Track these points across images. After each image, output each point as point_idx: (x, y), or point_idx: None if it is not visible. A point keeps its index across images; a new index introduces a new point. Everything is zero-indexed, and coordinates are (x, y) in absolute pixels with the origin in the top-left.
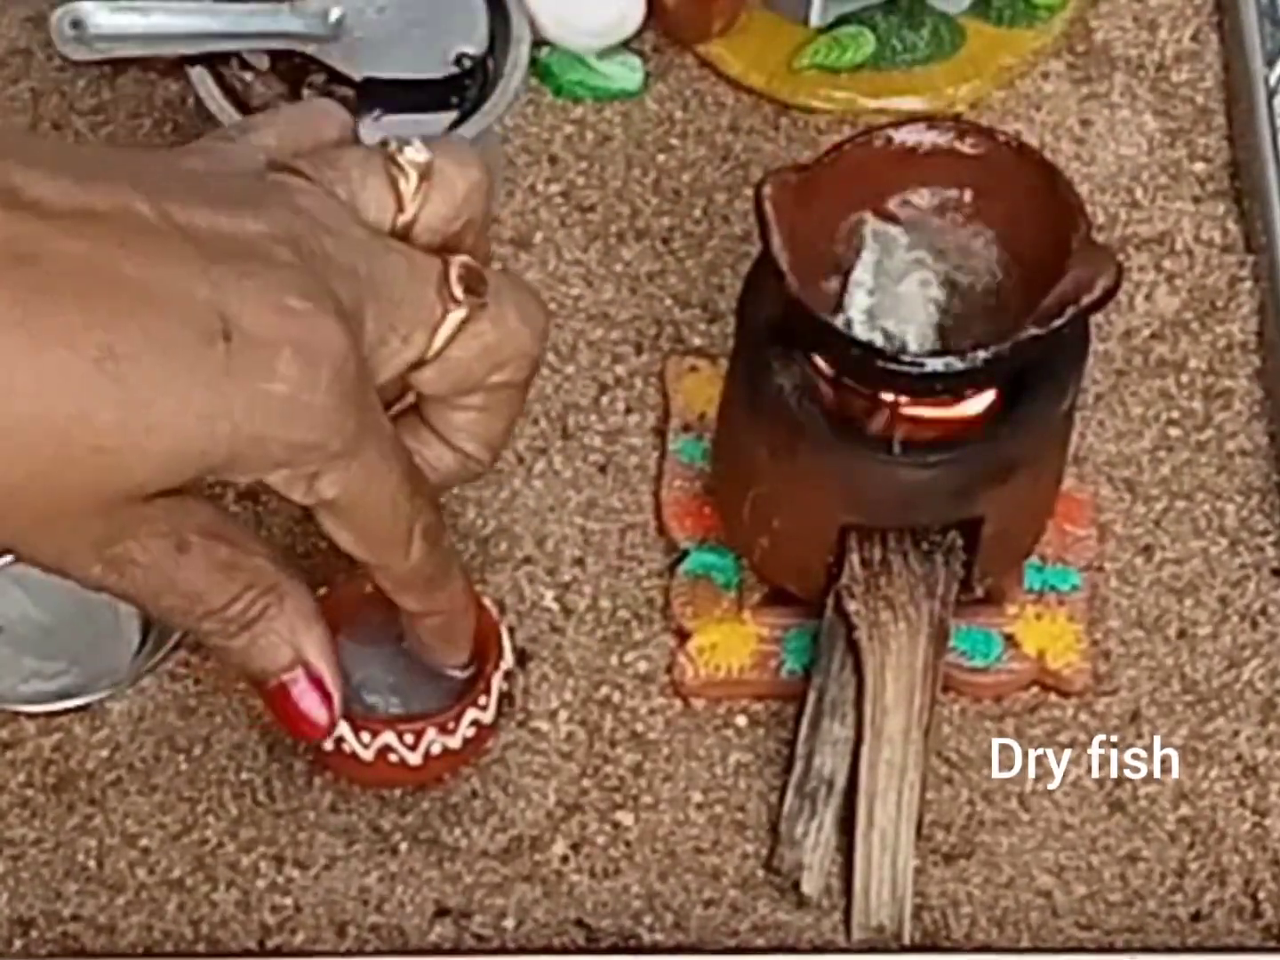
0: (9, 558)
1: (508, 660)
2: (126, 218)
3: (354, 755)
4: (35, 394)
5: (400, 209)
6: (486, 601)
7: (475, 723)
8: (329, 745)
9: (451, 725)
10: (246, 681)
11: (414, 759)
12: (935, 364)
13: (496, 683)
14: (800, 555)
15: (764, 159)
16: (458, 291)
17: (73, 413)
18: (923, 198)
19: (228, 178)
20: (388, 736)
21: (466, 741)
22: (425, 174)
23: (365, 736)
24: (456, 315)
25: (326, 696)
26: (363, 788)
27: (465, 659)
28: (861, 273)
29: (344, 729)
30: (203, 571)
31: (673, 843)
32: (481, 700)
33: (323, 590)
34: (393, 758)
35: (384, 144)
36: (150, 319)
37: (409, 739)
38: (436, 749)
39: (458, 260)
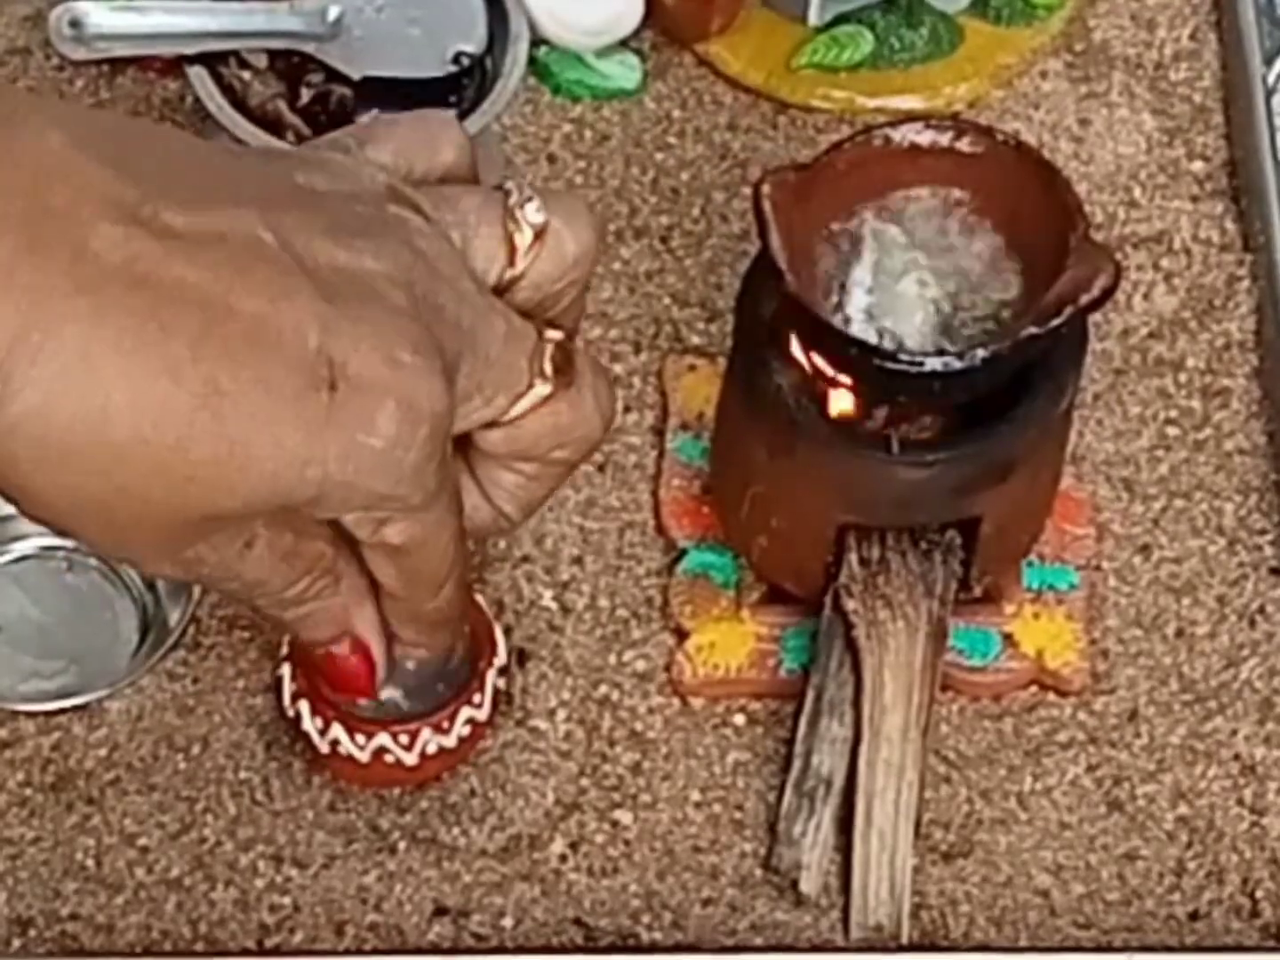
0: (8, 555)
1: (501, 657)
2: (248, 245)
3: (350, 757)
4: (135, 424)
5: (511, 264)
6: (480, 600)
7: (470, 721)
8: (325, 748)
9: (446, 724)
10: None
11: (410, 759)
12: (934, 363)
13: (491, 680)
14: (799, 554)
15: (762, 158)
16: (548, 368)
17: (170, 444)
18: (921, 197)
19: (349, 202)
20: (383, 738)
21: (462, 740)
22: (540, 233)
23: (360, 738)
24: (541, 390)
25: (371, 663)
26: (361, 788)
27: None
28: (860, 272)
29: (339, 731)
30: (267, 563)
31: (671, 842)
32: (476, 698)
33: None
34: (389, 758)
35: (503, 190)
36: (258, 359)
37: (404, 739)
38: (432, 748)
39: (555, 337)
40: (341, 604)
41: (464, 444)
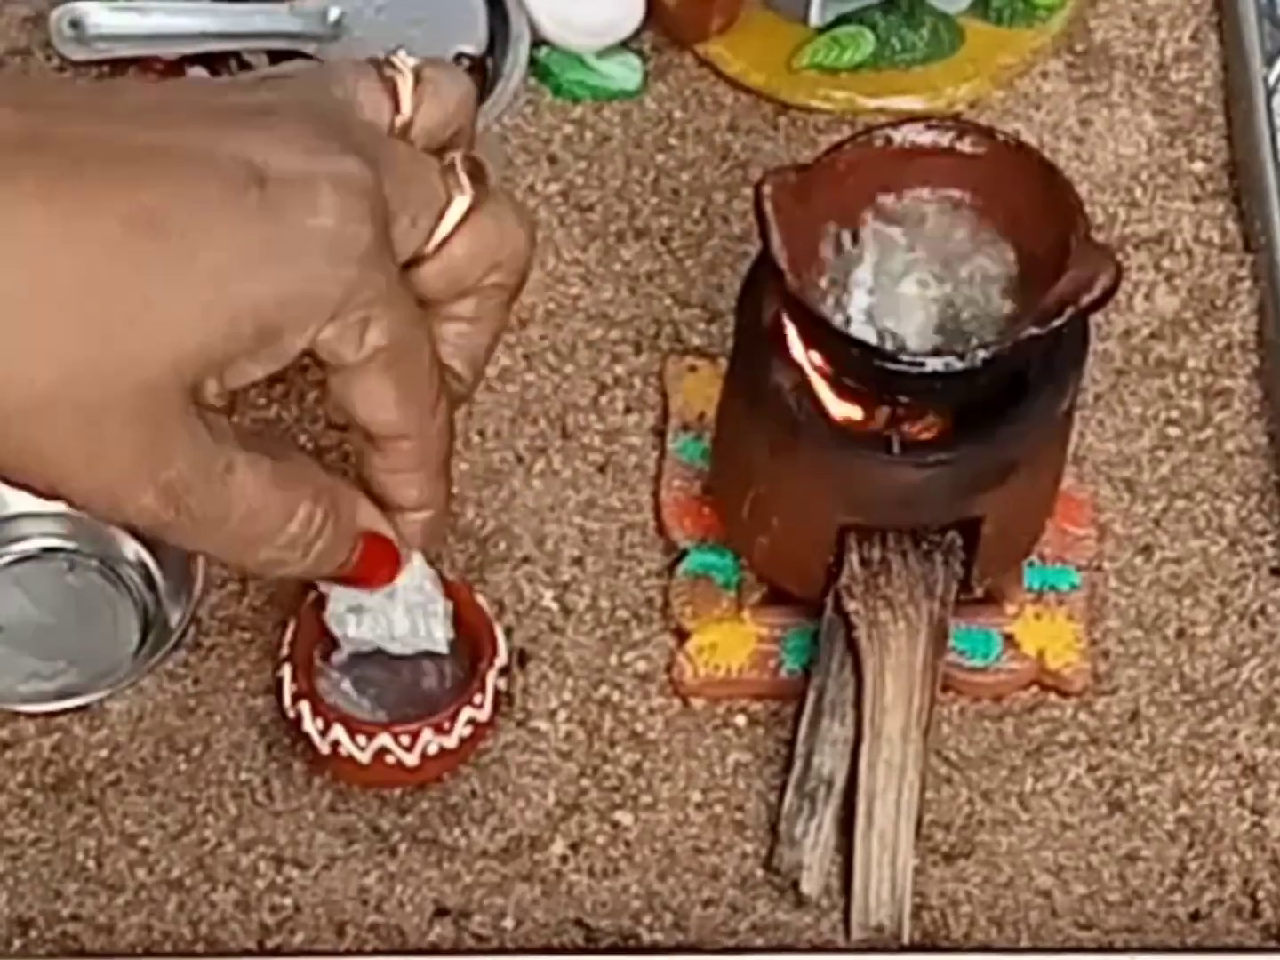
0: (9, 555)
1: (502, 658)
2: (138, 103)
3: (351, 758)
4: (73, 265)
5: (397, 109)
6: (481, 600)
7: (471, 721)
8: (325, 749)
9: (447, 725)
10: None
11: (411, 760)
12: (935, 363)
13: (492, 681)
14: (799, 555)
15: (763, 158)
16: (464, 180)
17: (115, 276)
18: (922, 197)
19: (230, 82)
20: (384, 739)
21: (463, 740)
22: (418, 78)
23: (361, 739)
24: (462, 202)
25: (388, 543)
26: (361, 789)
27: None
28: (861, 273)
29: (340, 733)
30: (256, 489)
31: (672, 842)
32: (477, 699)
33: (312, 595)
34: (390, 759)
35: (372, 58)
36: (175, 177)
37: (405, 740)
38: (433, 749)
39: (459, 152)
40: (345, 525)
41: None
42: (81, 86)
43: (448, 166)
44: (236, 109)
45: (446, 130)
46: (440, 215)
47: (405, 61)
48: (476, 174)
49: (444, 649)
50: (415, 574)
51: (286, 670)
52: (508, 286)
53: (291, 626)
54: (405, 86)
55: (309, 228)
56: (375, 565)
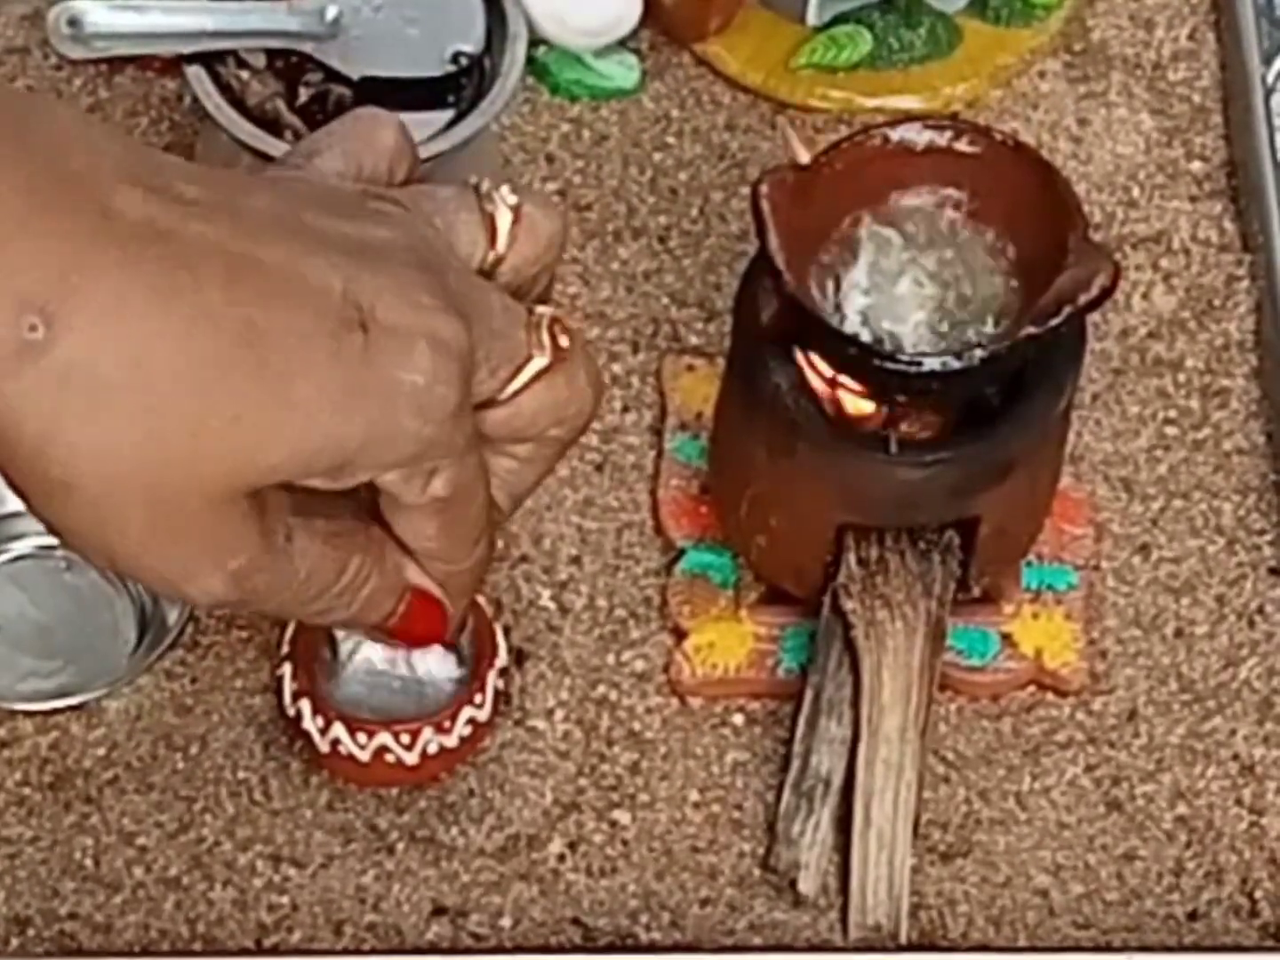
0: (7, 555)
1: (502, 658)
2: (260, 212)
3: (351, 757)
4: (176, 368)
5: (493, 245)
6: (481, 600)
7: (471, 721)
8: (325, 747)
9: (447, 724)
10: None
11: (411, 759)
12: (932, 363)
13: (492, 681)
14: (797, 554)
15: (761, 158)
16: (545, 340)
17: (212, 385)
18: (920, 197)
19: (338, 195)
20: (384, 737)
21: (463, 740)
22: (516, 215)
23: (362, 738)
24: (539, 362)
25: (436, 601)
26: (359, 787)
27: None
28: (858, 273)
29: (340, 731)
30: (313, 551)
31: (670, 841)
32: (477, 699)
33: None
34: (389, 758)
35: (472, 183)
36: (289, 303)
37: (405, 739)
38: (433, 748)
39: (548, 310)
40: (390, 573)
41: None
42: (212, 177)
43: (535, 323)
44: (356, 243)
45: (535, 267)
46: (517, 370)
47: (506, 198)
48: (558, 336)
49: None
50: None
51: (287, 668)
52: (565, 440)
53: (292, 624)
54: (504, 223)
55: (401, 381)
56: (421, 621)
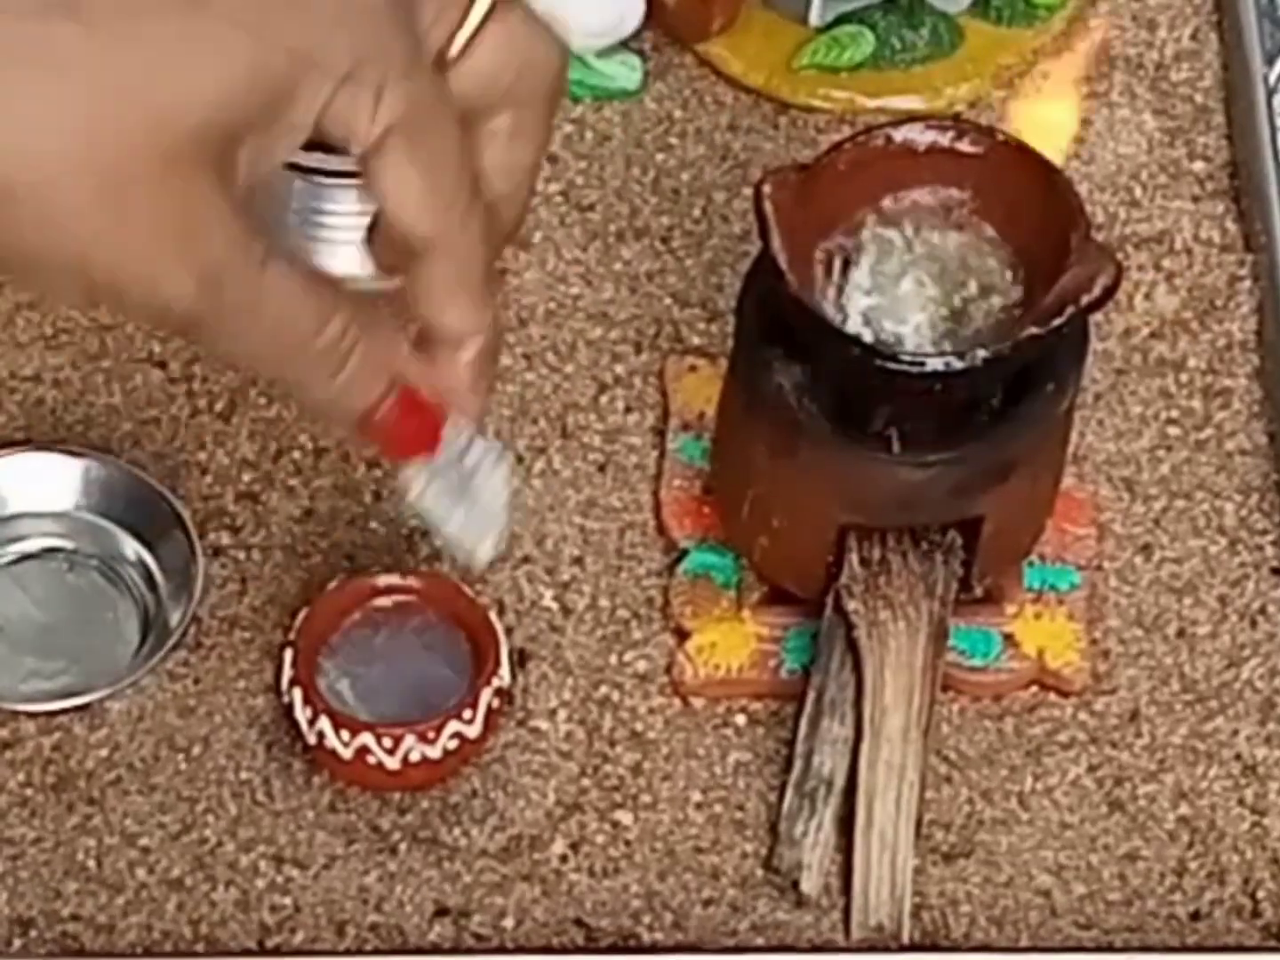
0: (9, 556)
1: (503, 677)
2: None
3: (334, 752)
4: (79, 24)
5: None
6: (491, 616)
7: (458, 735)
8: (312, 739)
9: (432, 735)
10: (345, 429)
11: (392, 763)
12: (935, 363)
13: (485, 698)
14: (800, 554)
15: (763, 158)
16: None
17: (126, 30)
18: (922, 197)
19: None
20: (365, 738)
21: (447, 753)
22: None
23: (345, 734)
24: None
25: (429, 407)
26: (347, 784)
27: (484, 409)
28: (860, 274)
29: (325, 724)
30: (290, 289)
31: (672, 842)
32: (466, 714)
33: (333, 584)
34: (370, 759)
35: None
36: None
37: (387, 743)
38: (415, 756)
39: None
40: (380, 351)
41: None
42: None
43: None
44: None
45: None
46: (465, 11)
47: None
48: None
49: (483, 564)
50: (492, 475)
51: (288, 655)
52: (542, 94)
53: (303, 613)
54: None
55: None
56: (412, 427)
